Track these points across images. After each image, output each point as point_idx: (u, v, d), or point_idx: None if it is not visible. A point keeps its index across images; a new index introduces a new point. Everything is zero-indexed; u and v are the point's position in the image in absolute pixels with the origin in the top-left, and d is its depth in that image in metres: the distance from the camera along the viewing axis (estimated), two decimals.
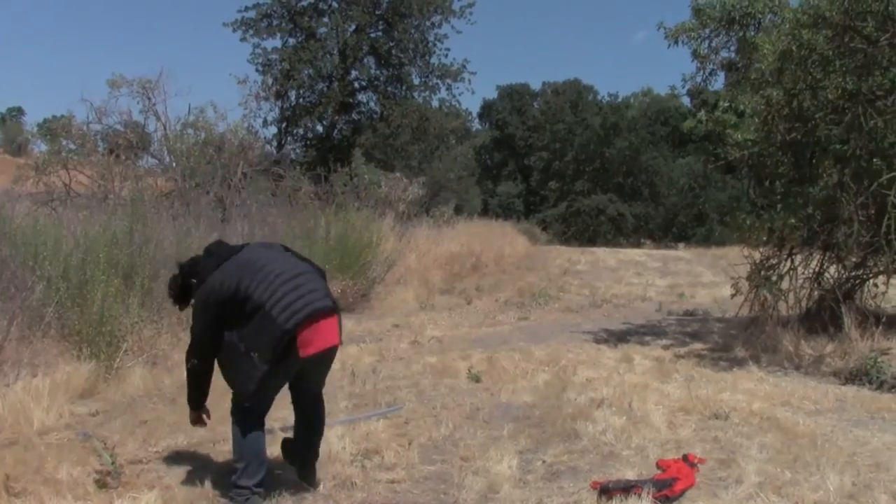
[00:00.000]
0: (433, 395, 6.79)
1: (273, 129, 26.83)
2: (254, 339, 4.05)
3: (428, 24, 27.12)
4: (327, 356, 4.37)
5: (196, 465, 4.90)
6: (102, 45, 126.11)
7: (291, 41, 26.55)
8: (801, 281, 9.38)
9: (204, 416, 4.57)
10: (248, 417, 4.22)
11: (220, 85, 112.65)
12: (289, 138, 27.42)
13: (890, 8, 8.01)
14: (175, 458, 5.06)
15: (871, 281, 9.28)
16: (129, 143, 16.79)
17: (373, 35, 27.01)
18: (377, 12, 26.71)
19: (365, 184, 19.58)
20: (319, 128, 27.85)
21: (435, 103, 28.33)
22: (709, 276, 18.70)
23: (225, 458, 4.97)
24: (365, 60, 27.37)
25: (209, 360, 4.32)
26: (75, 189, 15.39)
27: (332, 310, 4.27)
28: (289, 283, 4.14)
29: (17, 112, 65.29)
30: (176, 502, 4.23)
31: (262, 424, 4.32)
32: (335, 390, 6.84)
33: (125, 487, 4.39)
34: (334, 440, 5.16)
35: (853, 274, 9.38)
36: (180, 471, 4.79)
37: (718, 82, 14.00)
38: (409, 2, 26.17)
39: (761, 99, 9.25)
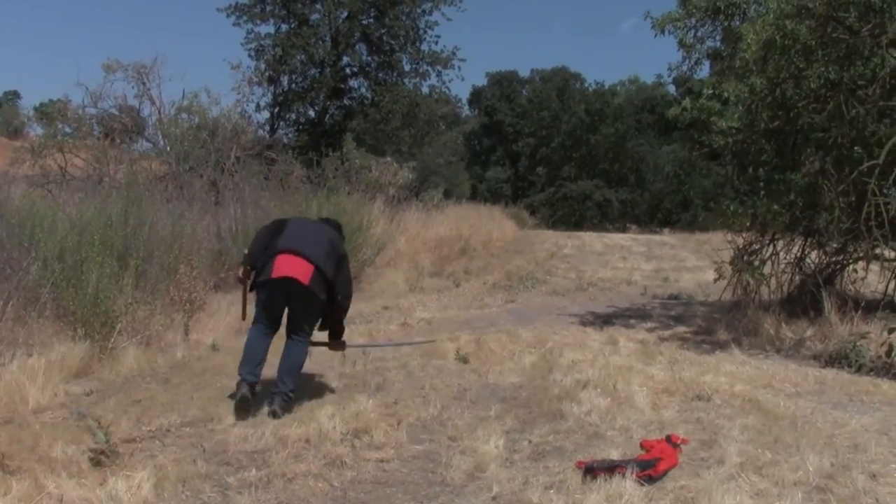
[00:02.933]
0: (422, 375, 6.84)
1: (266, 114, 26.77)
2: None
3: (419, 11, 27.03)
4: (290, 287, 5.62)
5: (189, 444, 4.96)
6: (98, 29, 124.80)
7: (284, 27, 26.42)
8: (782, 266, 9.48)
9: None
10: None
11: (213, 70, 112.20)
12: (281, 123, 27.33)
13: None
14: (168, 436, 5.11)
15: (851, 266, 9.34)
16: (124, 126, 16.86)
17: (364, 22, 26.90)
18: None
19: (356, 168, 19.58)
20: (311, 113, 27.76)
21: (425, 90, 28.27)
22: (693, 261, 18.81)
23: (216, 437, 5.06)
24: (357, 47, 27.28)
25: None
26: (71, 172, 15.44)
27: (307, 257, 5.68)
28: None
29: (14, 96, 64.57)
30: (169, 480, 4.27)
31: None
32: (326, 370, 6.95)
33: (119, 465, 4.42)
34: (324, 419, 5.24)
35: (834, 259, 9.47)
36: (173, 449, 4.85)
37: (704, 71, 14.12)
38: None
39: (745, 87, 9.33)
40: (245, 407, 5.51)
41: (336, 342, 6.52)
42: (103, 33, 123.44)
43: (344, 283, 5.99)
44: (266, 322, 5.82)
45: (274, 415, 5.46)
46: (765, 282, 9.19)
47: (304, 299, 5.74)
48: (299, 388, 5.88)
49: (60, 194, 11.53)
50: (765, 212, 8.87)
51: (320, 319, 6.13)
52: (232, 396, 5.75)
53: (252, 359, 5.68)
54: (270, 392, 5.67)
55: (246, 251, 6.14)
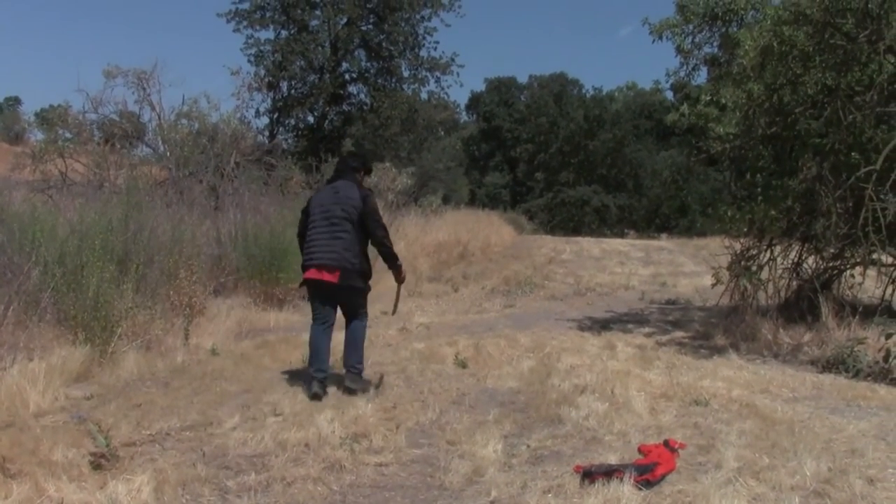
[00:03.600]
0: (420, 380, 6.86)
1: (265, 120, 26.87)
2: None
3: (418, 17, 27.17)
4: (326, 286, 6.26)
5: (189, 448, 4.95)
6: (98, 35, 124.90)
7: (284, 33, 26.54)
8: (780, 271, 9.49)
9: None
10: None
11: (213, 76, 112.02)
12: (280, 128, 27.42)
13: (869, 5, 8.12)
14: (168, 440, 5.10)
15: (849, 272, 9.37)
16: (124, 132, 16.90)
17: (364, 28, 27.02)
18: (368, 5, 26.69)
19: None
20: (311, 118, 27.86)
21: (424, 95, 28.42)
22: (690, 266, 18.83)
23: (216, 441, 5.06)
24: (356, 53, 27.42)
25: None
26: (71, 177, 15.43)
27: (329, 263, 6.22)
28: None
29: (15, 101, 64.72)
30: (169, 484, 4.25)
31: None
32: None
33: (119, 469, 4.41)
34: (324, 424, 5.25)
35: (831, 265, 9.47)
36: (173, 453, 4.84)
37: (701, 77, 14.17)
38: None
39: (743, 93, 9.38)
40: (319, 394, 6.16)
41: (396, 268, 6.75)
42: (103, 39, 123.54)
43: (377, 235, 6.44)
44: (319, 316, 6.44)
45: (348, 390, 6.21)
46: (762, 287, 9.20)
47: (341, 293, 6.36)
48: (365, 363, 6.65)
49: (61, 199, 11.57)
50: (762, 217, 8.88)
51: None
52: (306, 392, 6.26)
53: (317, 355, 6.33)
54: (343, 373, 6.43)
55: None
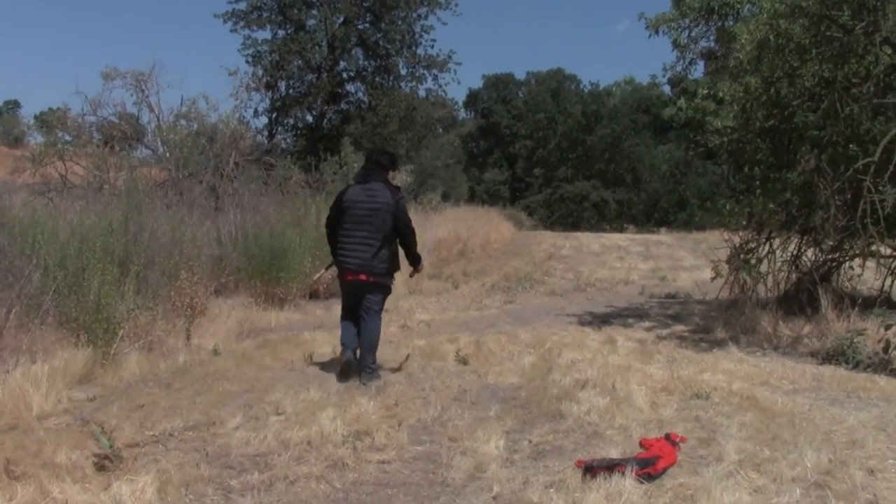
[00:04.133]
0: (422, 377, 6.88)
1: (264, 120, 26.91)
2: None
3: (414, 15, 27.20)
4: (359, 285, 6.79)
5: (192, 448, 4.97)
6: (96, 38, 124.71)
7: (281, 33, 26.57)
8: (779, 264, 9.52)
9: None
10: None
11: (211, 76, 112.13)
12: (279, 128, 27.45)
13: None
14: (171, 440, 5.11)
15: (848, 264, 9.40)
16: (123, 134, 16.95)
17: (361, 27, 27.04)
18: (365, 4, 26.72)
19: (354, 172, 19.65)
20: (309, 118, 27.88)
21: (422, 93, 28.44)
22: (690, 260, 18.81)
23: (219, 440, 5.08)
24: (353, 52, 27.43)
25: None
26: (71, 180, 15.49)
27: (359, 268, 6.74)
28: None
29: (14, 105, 64.71)
30: (173, 484, 4.27)
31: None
32: (327, 374, 7.02)
33: (123, 470, 4.43)
34: (326, 422, 5.27)
35: (830, 257, 9.49)
36: (177, 453, 4.86)
37: (698, 71, 14.27)
38: None
39: (740, 87, 9.39)
40: (348, 370, 6.77)
41: (417, 267, 7.37)
42: (101, 42, 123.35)
43: (406, 239, 6.98)
44: (350, 313, 7.00)
45: (365, 386, 6.47)
46: (762, 280, 9.24)
47: (370, 287, 6.82)
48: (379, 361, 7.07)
49: (61, 202, 11.59)
50: (761, 210, 8.92)
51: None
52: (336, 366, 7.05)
53: (348, 331, 6.95)
54: (360, 371, 6.78)
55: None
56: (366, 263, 6.70)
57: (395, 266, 6.95)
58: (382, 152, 7.42)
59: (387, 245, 6.76)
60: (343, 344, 6.93)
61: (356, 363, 6.78)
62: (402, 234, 6.87)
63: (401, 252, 7.00)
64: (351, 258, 6.76)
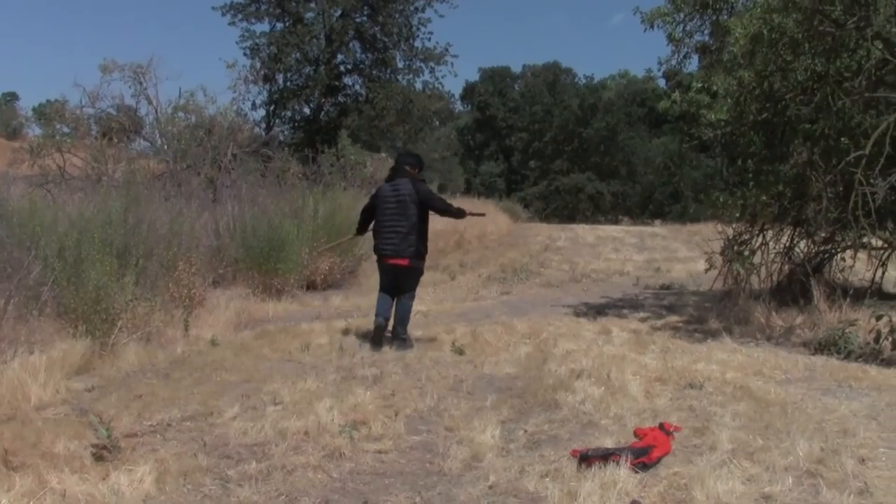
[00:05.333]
0: (418, 367, 6.89)
1: (261, 112, 26.92)
2: None
3: (412, 8, 27.15)
4: (396, 267, 7.91)
5: (190, 438, 4.98)
6: (94, 30, 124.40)
7: (279, 26, 26.52)
8: (772, 255, 9.58)
9: None
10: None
11: (209, 69, 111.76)
12: (277, 120, 27.44)
13: None
14: (169, 431, 5.12)
15: (839, 255, 9.46)
16: (121, 126, 16.98)
17: (358, 20, 27.00)
18: None
19: (351, 164, 19.72)
20: (307, 110, 27.87)
21: (419, 86, 28.42)
22: (684, 252, 18.82)
23: (216, 431, 5.10)
24: (350, 45, 27.39)
25: None
26: (70, 171, 15.51)
27: (396, 254, 7.87)
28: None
29: (12, 97, 64.71)
30: (171, 474, 4.27)
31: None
32: (324, 364, 7.02)
33: (121, 460, 4.42)
34: (323, 412, 5.27)
35: (822, 249, 9.56)
36: (174, 443, 4.86)
37: (693, 64, 14.23)
38: None
39: (734, 80, 9.43)
40: (378, 337, 7.82)
41: (463, 216, 8.49)
42: (100, 34, 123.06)
43: (436, 207, 8.03)
44: (387, 288, 8.06)
45: (398, 351, 7.48)
46: (755, 271, 9.27)
47: (406, 273, 7.96)
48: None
49: (60, 194, 11.59)
50: (754, 202, 8.95)
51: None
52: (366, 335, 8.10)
53: (382, 304, 7.97)
54: (391, 340, 7.83)
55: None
56: (397, 248, 7.82)
57: (423, 249, 8.01)
58: (408, 154, 8.92)
59: (414, 231, 7.83)
60: (377, 313, 7.92)
61: (384, 329, 7.86)
62: (435, 207, 8.00)
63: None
64: (386, 245, 7.90)
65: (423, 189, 8.08)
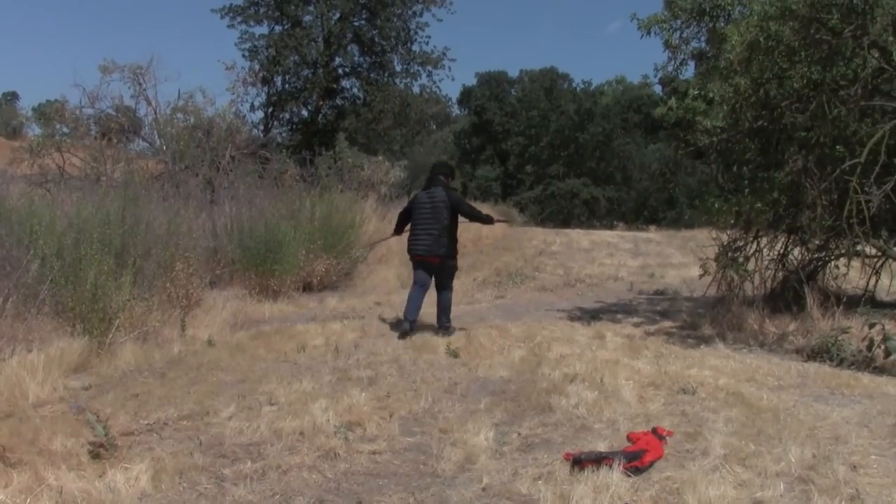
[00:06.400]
0: (413, 370, 6.91)
1: (260, 114, 26.77)
2: None
3: (410, 12, 27.09)
4: (428, 263, 8.88)
5: (186, 437, 5.00)
6: (94, 31, 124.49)
7: (278, 28, 26.44)
8: (766, 262, 9.57)
9: None
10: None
11: (208, 71, 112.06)
12: (275, 123, 27.32)
13: (854, 1, 8.20)
14: (165, 429, 5.15)
15: (833, 263, 9.42)
16: (120, 126, 16.99)
17: (356, 23, 26.93)
18: (361, 1, 26.64)
19: (348, 167, 19.72)
20: (305, 113, 27.76)
21: (416, 89, 28.33)
22: (678, 258, 18.78)
23: (212, 430, 5.12)
24: (349, 48, 27.31)
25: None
26: (69, 171, 15.53)
27: (428, 253, 8.83)
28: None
29: (12, 96, 64.78)
30: (167, 472, 4.30)
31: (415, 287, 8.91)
32: (319, 365, 7.05)
33: (117, 458, 4.45)
34: (318, 413, 5.31)
35: (816, 256, 9.55)
36: (171, 442, 4.89)
37: (689, 71, 14.30)
38: None
39: (730, 87, 9.43)
40: (405, 337, 8.44)
41: (491, 222, 9.89)
42: (100, 35, 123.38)
43: (465, 212, 9.06)
44: (419, 280, 8.90)
45: (443, 338, 8.33)
46: (748, 278, 9.28)
47: (439, 268, 8.91)
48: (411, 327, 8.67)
49: (59, 193, 11.58)
50: (749, 209, 8.97)
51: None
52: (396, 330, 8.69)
53: (413, 303, 8.77)
54: (436, 328, 8.84)
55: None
56: (429, 248, 8.75)
57: (453, 249, 8.93)
58: (443, 164, 9.78)
59: (445, 233, 8.77)
60: (405, 317, 8.72)
61: (409, 334, 8.52)
62: (464, 213, 9.00)
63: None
64: (419, 245, 8.83)
65: (454, 196, 9.04)
